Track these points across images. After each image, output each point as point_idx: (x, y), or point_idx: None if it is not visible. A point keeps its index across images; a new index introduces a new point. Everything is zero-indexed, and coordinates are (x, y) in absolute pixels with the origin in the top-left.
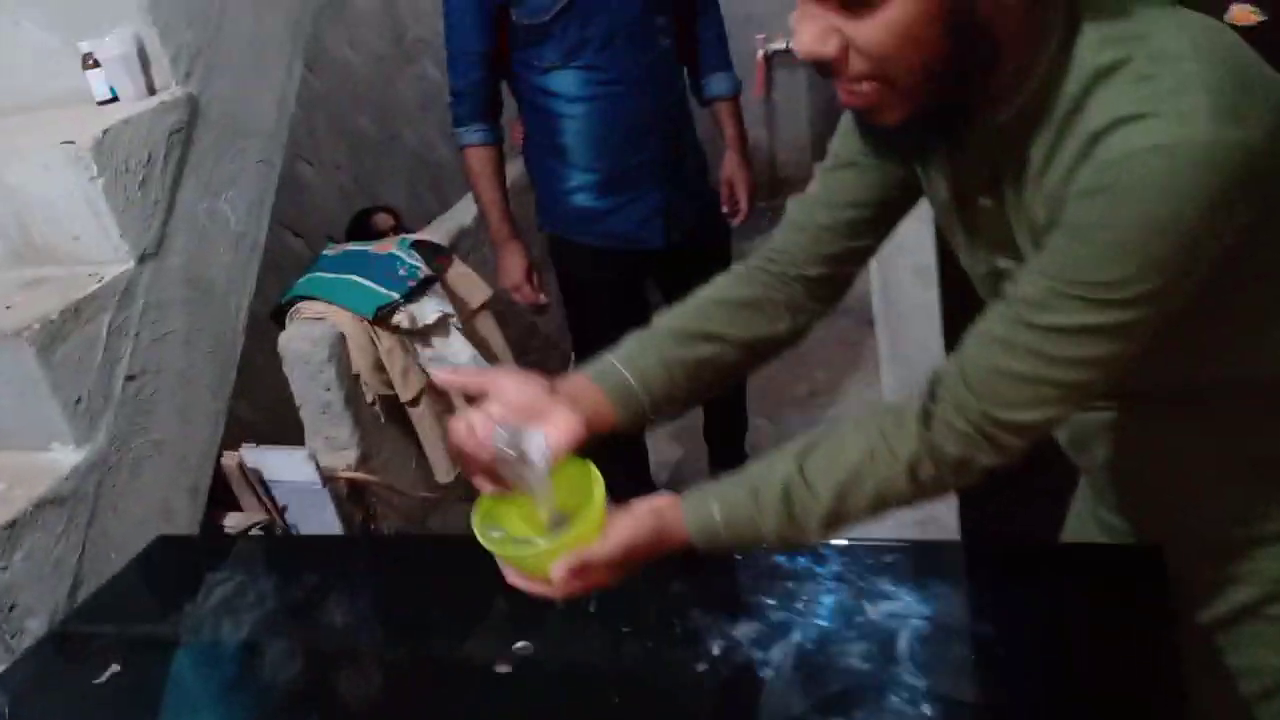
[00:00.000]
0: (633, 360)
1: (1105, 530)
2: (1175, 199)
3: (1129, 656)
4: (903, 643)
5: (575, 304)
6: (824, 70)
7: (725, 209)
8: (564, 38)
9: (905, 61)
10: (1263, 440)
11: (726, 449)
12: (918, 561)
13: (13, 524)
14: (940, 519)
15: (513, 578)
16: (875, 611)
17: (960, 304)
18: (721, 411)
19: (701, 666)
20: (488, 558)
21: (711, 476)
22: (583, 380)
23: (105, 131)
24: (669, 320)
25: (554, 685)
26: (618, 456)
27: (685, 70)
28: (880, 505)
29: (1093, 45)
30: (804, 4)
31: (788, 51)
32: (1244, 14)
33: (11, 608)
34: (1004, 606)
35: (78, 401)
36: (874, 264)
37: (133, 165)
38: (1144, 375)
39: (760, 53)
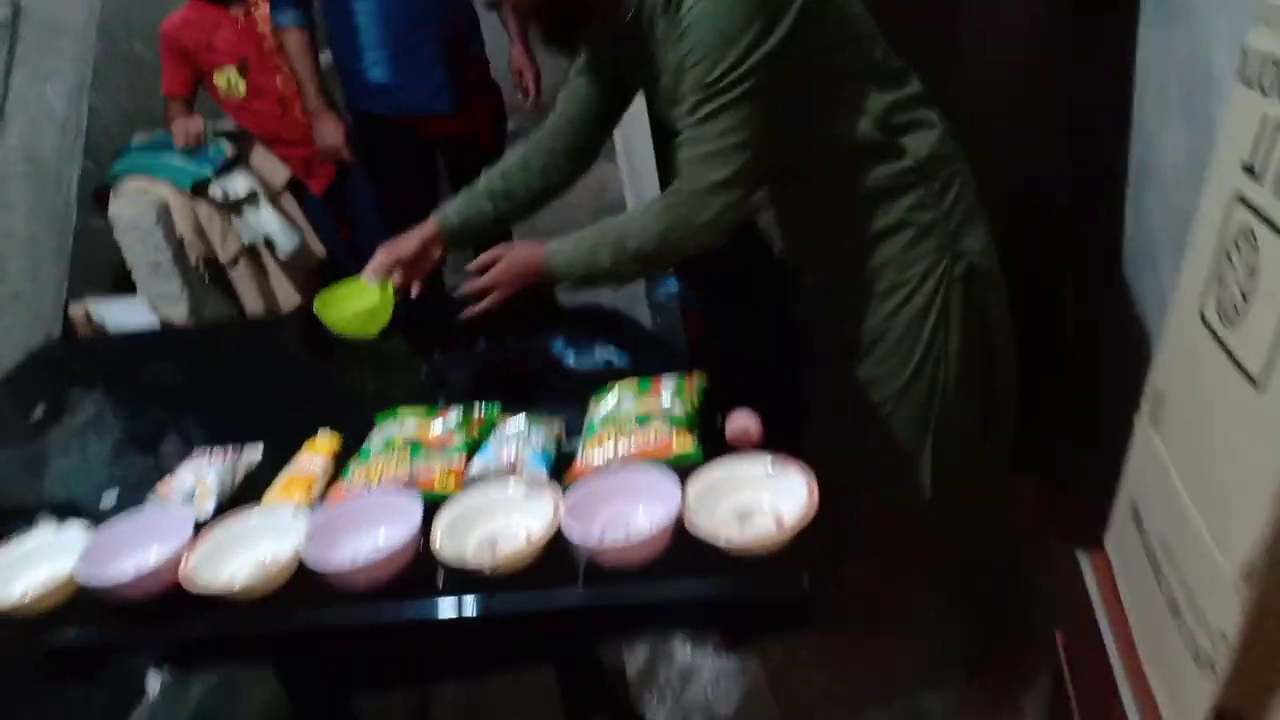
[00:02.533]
0: (462, 212)
1: None
2: (725, 18)
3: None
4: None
5: (378, 171)
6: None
7: (519, 94)
8: None
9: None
10: (844, 205)
11: None
12: None
13: None
14: None
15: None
16: None
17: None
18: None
19: None
20: None
21: None
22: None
23: None
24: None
25: None
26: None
27: None
28: (639, 260)
29: None
30: None
31: None
32: None
33: None
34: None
35: None
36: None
37: None
38: (774, 160)
39: None
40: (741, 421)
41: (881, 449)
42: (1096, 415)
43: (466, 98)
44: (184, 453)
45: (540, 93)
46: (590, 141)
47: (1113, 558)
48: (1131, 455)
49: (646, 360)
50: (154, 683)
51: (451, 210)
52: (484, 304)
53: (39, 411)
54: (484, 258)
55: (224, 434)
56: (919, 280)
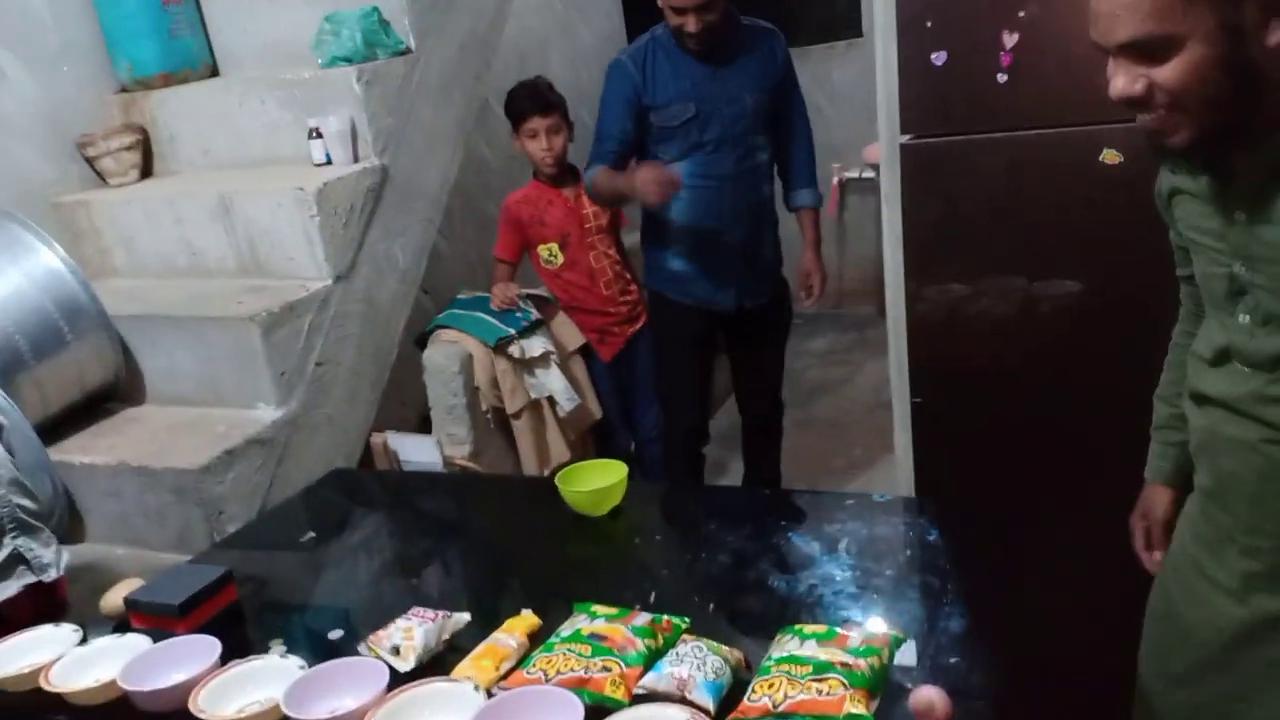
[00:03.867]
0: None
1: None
2: None
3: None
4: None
5: (662, 346)
6: (1132, 105)
7: (802, 293)
8: (685, 139)
9: (1196, 94)
10: None
11: (765, 465)
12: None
13: (230, 452)
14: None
15: None
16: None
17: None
18: (761, 436)
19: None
20: None
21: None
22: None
23: (325, 184)
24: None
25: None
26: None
27: (778, 179)
28: None
29: None
30: (1117, 60)
31: (860, 179)
32: (1111, 156)
33: (220, 513)
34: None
35: (282, 374)
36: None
37: (340, 210)
38: None
39: (836, 179)
40: (928, 695)
41: None
42: None
43: (751, 296)
44: (410, 601)
45: (822, 294)
46: None
47: None
48: None
49: (858, 599)
50: None
51: (1161, 461)
52: None
53: (315, 530)
54: None
55: (449, 585)
56: None
